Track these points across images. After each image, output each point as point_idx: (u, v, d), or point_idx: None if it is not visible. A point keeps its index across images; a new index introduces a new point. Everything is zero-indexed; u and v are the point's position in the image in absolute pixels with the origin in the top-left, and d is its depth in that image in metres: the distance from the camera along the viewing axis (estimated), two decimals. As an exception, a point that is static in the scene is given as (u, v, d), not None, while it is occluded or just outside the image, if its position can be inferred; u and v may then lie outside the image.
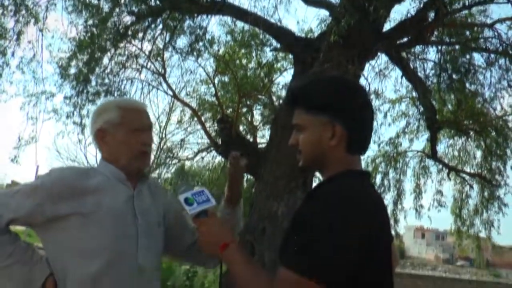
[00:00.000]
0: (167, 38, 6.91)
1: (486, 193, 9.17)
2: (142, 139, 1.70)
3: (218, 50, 8.19)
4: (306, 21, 26.41)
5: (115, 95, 6.67)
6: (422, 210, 9.50)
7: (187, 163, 10.88)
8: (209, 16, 6.60)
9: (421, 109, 7.50)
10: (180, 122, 9.41)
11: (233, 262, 1.35)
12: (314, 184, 6.37)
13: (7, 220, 1.54)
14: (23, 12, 6.52)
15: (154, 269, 1.68)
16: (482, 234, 9.69)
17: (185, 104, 8.28)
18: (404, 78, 6.75)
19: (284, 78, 17.44)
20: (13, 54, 6.66)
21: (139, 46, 7.06)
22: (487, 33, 6.32)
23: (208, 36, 7.15)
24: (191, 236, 1.82)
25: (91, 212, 1.55)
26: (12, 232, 1.59)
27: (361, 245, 1.18)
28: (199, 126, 8.94)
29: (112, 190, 1.64)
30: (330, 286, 1.15)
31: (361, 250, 1.18)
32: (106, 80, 6.86)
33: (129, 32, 6.56)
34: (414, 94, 7.84)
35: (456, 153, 9.46)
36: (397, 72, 8.01)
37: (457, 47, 6.33)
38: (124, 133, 1.68)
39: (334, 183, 1.33)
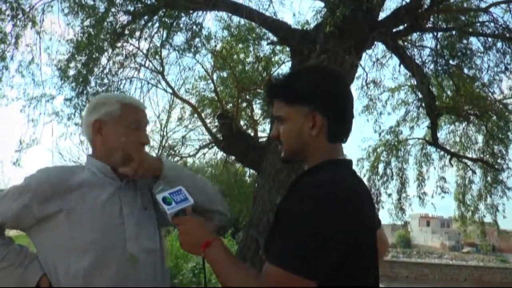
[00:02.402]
0: (164, 36, 6.93)
1: (489, 178, 9.22)
2: (140, 137, 1.72)
3: (216, 46, 8.21)
4: (302, 13, 26.27)
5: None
6: (425, 197, 9.56)
7: (189, 160, 10.87)
8: (204, 12, 6.61)
9: (420, 96, 7.51)
10: (180, 119, 9.43)
11: (216, 260, 1.34)
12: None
13: None
14: (20, 15, 6.54)
15: (148, 254, 1.68)
16: (488, 219, 9.75)
17: (185, 101, 8.30)
18: (401, 66, 6.76)
19: (282, 71, 17.44)
20: (12, 58, 6.70)
21: (137, 45, 7.08)
22: (483, 17, 6.33)
23: (204, 32, 7.17)
24: None
25: (77, 207, 1.58)
26: (5, 236, 1.63)
27: (344, 236, 1.19)
28: (199, 123, 8.97)
29: (99, 185, 1.66)
30: (316, 279, 1.17)
31: (344, 241, 1.19)
32: (105, 80, 6.90)
33: (126, 32, 6.58)
34: (412, 81, 7.87)
35: (457, 139, 9.51)
36: (394, 61, 8.03)
37: (453, 32, 6.33)
38: (123, 129, 1.69)
39: (315, 174, 1.33)
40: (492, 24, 6.19)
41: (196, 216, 1.49)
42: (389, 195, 9.64)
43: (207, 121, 8.39)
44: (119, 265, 1.59)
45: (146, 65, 7.43)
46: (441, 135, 9.21)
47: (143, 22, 6.58)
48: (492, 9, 6.04)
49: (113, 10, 6.23)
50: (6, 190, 1.63)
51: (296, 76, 1.44)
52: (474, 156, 9.24)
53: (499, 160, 8.81)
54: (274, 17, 6.28)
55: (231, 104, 8.42)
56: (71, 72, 6.73)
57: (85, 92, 6.68)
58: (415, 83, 7.05)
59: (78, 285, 1.53)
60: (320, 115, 1.35)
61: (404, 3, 5.53)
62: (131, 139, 1.70)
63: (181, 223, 1.45)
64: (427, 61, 6.70)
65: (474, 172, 9.38)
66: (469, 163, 9.31)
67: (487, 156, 8.92)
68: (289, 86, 1.40)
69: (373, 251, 1.33)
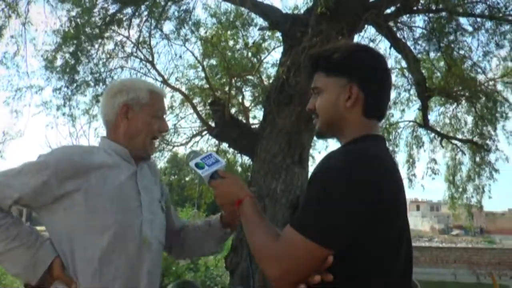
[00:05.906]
0: (153, 25, 6.84)
1: (478, 159, 9.30)
2: (162, 126, 1.75)
3: (206, 33, 8.14)
4: None
5: (107, 83, 6.62)
6: (415, 179, 9.62)
7: (181, 149, 10.81)
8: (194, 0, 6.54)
9: (411, 78, 7.53)
10: (171, 108, 9.33)
11: (245, 217, 1.39)
12: (310, 160, 6.42)
13: (13, 201, 1.51)
14: (3, 6, 6.41)
15: (159, 243, 1.71)
16: (474, 200, 9.84)
17: (176, 89, 8.23)
18: (392, 49, 6.77)
19: (272, 57, 17.39)
20: (-5, 50, 6.59)
21: (126, 34, 6.98)
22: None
23: (193, 20, 7.11)
24: (178, 223, 1.92)
25: (96, 188, 1.55)
26: (15, 215, 1.57)
27: (372, 210, 1.18)
28: (190, 111, 8.91)
29: (116, 167, 1.64)
30: (336, 250, 1.18)
31: (371, 215, 1.18)
32: (94, 70, 6.80)
33: (114, 20, 6.48)
34: (403, 64, 7.88)
35: (447, 121, 9.56)
36: (385, 44, 8.04)
37: (444, 13, 6.33)
38: (149, 116, 1.71)
39: (351, 146, 1.34)
40: (482, 5, 6.21)
41: (230, 175, 1.54)
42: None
43: (198, 109, 8.32)
44: (135, 247, 1.58)
45: (136, 54, 7.33)
46: (432, 117, 9.26)
47: (131, 11, 6.48)
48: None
49: (100, -1, 6.13)
50: (19, 166, 1.57)
51: (338, 48, 1.43)
52: (464, 138, 9.31)
53: (487, 141, 8.89)
54: (265, 2, 6.23)
55: (220, 91, 8.35)
56: (59, 62, 6.65)
57: (73, 82, 6.60)
58: (406, 64, 7.06)
59: (93, 266, 1.51)
60: (357, 88, 1.35)
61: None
62: (154, 127, 1.72)
63: (216, 187, 1.52)
64: (418, 41, 6.69)
65: (463, 153, 9.46)
66: (459, 144, 9.40)
67: (476, 137, 9.00)
68: (329, 56, 1.41)
69: (404, 229, 1.32)
